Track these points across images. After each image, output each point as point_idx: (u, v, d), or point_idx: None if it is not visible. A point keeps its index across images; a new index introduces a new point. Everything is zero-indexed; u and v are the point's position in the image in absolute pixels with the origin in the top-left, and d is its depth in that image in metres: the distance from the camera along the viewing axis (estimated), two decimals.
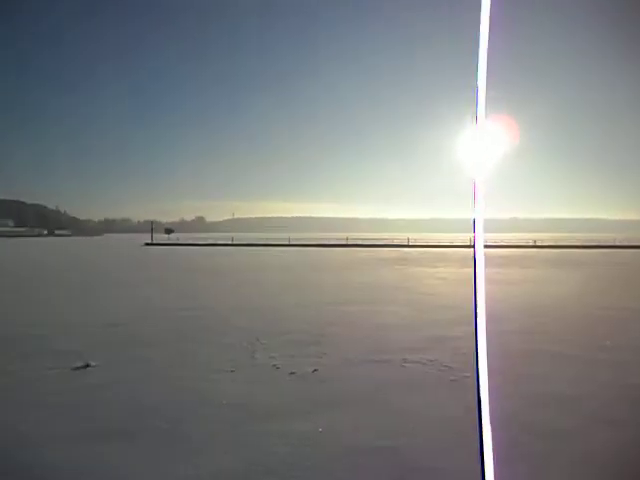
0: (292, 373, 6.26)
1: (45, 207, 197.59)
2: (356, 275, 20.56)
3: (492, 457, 1.16)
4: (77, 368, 6.50)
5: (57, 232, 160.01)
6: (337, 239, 68.07)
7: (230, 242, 65.20)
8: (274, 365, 6.60)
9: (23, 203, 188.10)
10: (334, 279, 18.70)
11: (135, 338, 8.33)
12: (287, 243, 61.48)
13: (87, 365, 6.61)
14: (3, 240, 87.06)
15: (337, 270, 23.20)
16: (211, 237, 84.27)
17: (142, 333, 8.76)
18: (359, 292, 14.78)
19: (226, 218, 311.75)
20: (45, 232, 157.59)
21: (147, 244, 64.81)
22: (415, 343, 7.89)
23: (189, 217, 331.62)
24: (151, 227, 76.94)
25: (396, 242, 62.01)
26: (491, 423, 1.18)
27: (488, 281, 1.21)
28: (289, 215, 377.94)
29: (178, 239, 72.16)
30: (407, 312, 11.02)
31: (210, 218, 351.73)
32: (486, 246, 1.23)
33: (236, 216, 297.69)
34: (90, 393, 5.46)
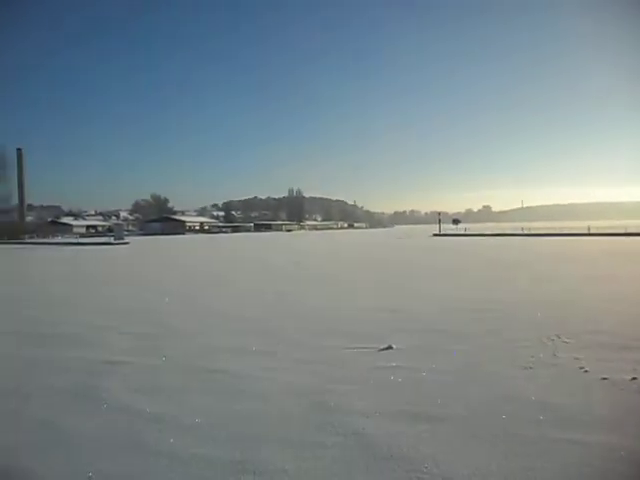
0: (604, 379, 5.39)
1: (345, 202, 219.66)
2: None
3: None
4: (382, 349, 6.85)
5: (356, 225, 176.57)
6: None
7: (519, 232, 60.80)
8: (581, 367, 5.84)
9: (328, 199, 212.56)
10: None
11: (430, 326, 8.37)
12: (584, 232, 54.45)
13: (389, 347, 6.85)
14: (314, 232, 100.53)
15: None
16: (499, 227, 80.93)
17: (437, 322, 8.78)
18: None
19: (514, 207, 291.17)
20: (345, 225, 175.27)
21: (435, 235, 64.38)
22: None
23: (475, 207, 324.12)
24: (438, 218, 76.80)
25: None
26: None
27: None
28: (582, 201, 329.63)
29: (465, 229, 70.13)
30: None
31: (497, 207, 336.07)
32: None
33: (525, 204, 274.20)
34: (398, 374, 5.70)
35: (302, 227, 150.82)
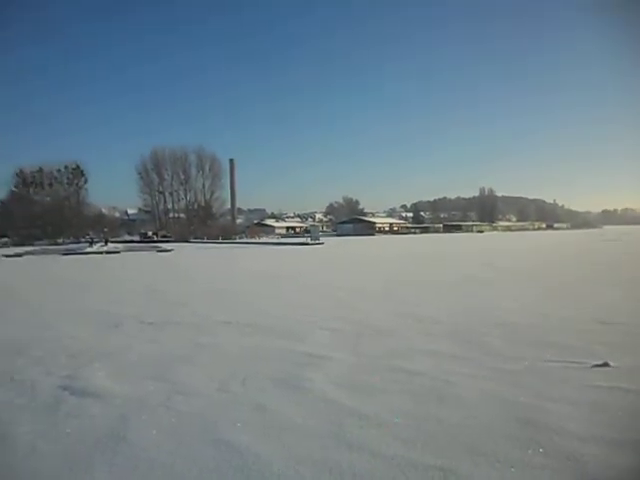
0: None
1: (543, 201, 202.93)
2: None
3: None
4: (596, 366, 6.10)
5: (555, 225, 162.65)
6: None
7: None
8: None
9: (524, 198, 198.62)
10: None
11: None
12: None
13: (605, 364, 6.10)
14: (508, 233, 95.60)
15: None
16: None
17: None
18: None
19: None
20: (543, 225, 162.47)
21: None
22: None
23: None
24: None
25: None
26: None
27: None
28: None
29: None
30: None
31: None
32: None
33: None
34: (618, 396, 5.02)
35: (494, 228, 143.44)
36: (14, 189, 77.29)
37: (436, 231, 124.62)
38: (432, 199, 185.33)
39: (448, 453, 3.83)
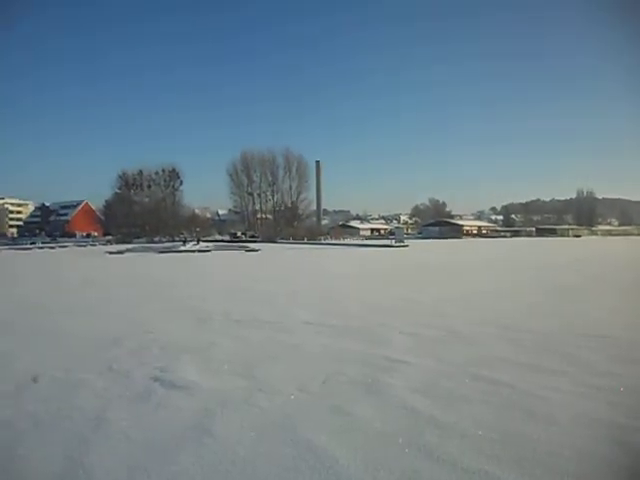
0: None
1: None
2: None
3: None
4: None
5: None
6: None
7: None
8: None
9: (627, 201, 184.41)
10: None
11: None
12: None
13: None
14: (609, 238, 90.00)
15: None
16: None
17: None
18: None
19: None
20: None
21: None
22: None
23: None
24: None
25: None
26: None
27: None
28: None
29: None
30: None
31: None
32: None
33: None
34: None
35: (593, 232, 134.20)
36: (117, 190, 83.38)
37: (528, 235, 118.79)
38: (524, 201, 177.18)
39: (536, 474, 3.63)
